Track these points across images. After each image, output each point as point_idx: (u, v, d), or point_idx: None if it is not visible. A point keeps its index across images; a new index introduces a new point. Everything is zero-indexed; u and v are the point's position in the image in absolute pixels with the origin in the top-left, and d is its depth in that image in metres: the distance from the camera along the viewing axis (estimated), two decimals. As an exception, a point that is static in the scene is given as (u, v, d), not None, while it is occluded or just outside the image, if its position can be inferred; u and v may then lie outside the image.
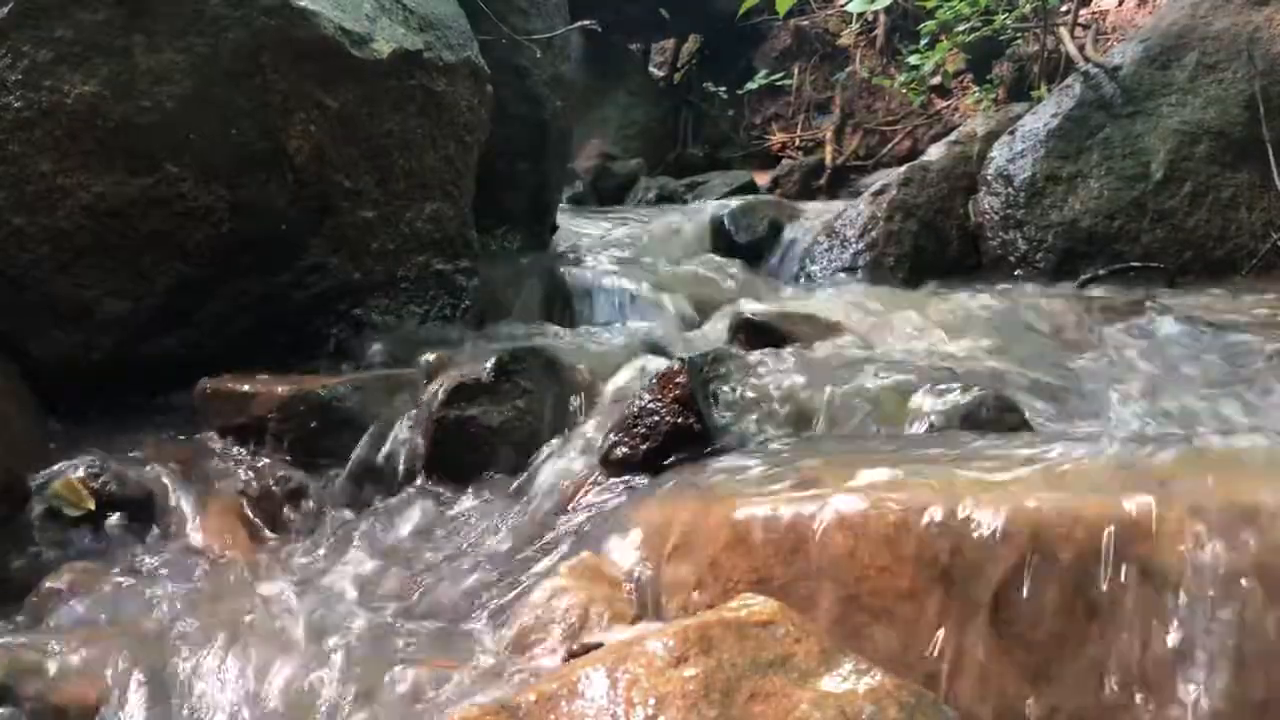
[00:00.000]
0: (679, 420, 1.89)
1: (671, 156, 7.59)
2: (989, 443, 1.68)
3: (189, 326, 2.50)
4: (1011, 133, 3.79)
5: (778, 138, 7.51)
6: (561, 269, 3.74)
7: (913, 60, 5.63)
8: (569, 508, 1.90)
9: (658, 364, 2.28)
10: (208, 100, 2.39)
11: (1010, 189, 3.64)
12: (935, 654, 1.27)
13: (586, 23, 4.14)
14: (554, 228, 4.32)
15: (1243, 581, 1.17)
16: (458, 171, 3.04)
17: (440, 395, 2.15)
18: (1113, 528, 1.23)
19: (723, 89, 7.52)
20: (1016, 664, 1.23)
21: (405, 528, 2.01)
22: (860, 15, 6.39)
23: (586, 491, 1.92)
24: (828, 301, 3.22)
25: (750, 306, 2.86)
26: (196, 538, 2.04)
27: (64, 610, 1.77)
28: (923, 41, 5.43)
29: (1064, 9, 4.88)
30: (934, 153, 4.04)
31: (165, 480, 2.14)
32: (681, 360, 2.00)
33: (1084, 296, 3.17)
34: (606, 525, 1.71)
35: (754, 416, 2.01)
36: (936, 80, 6.27)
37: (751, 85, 7.26)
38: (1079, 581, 1.22)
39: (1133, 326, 2.77)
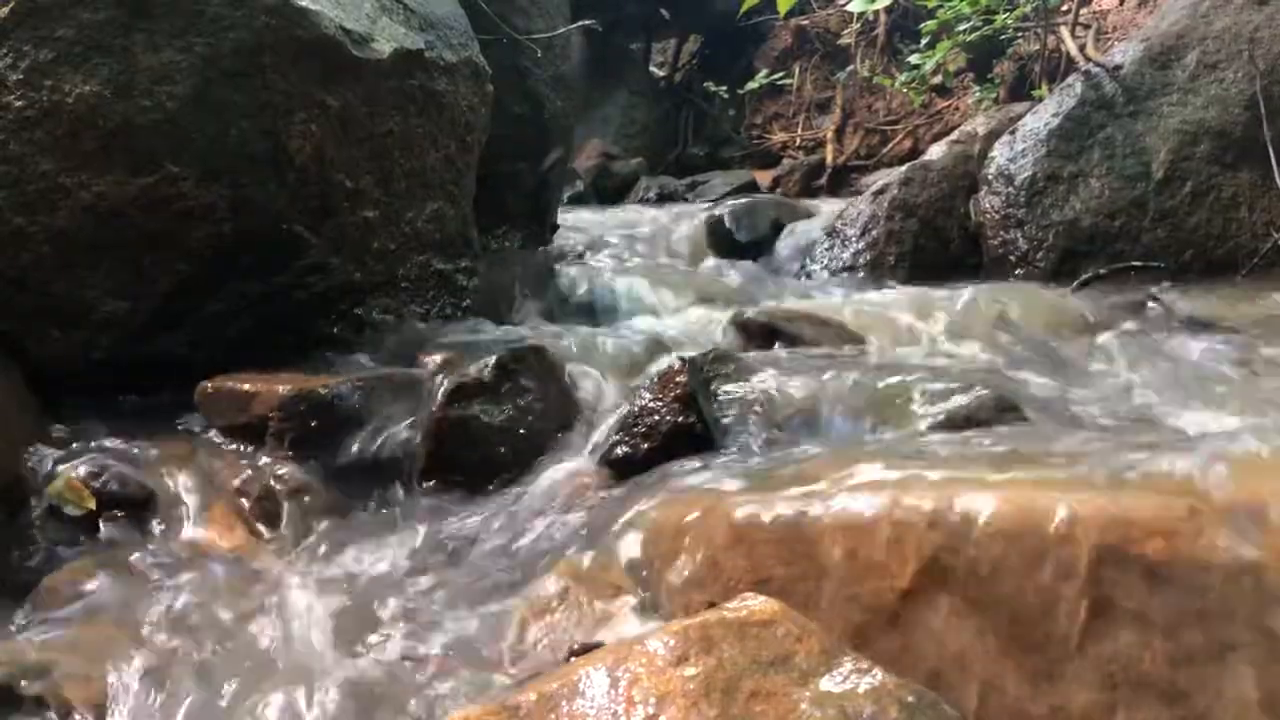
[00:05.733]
0: (679, 419, 1.90)
1: (672, 156, 7.60)
2: (989, 442, 1.68)
3: (190, 326, 2.50)
4: (1012, 132, 3.79)
5: (778, 137, 7.51)
6: (562, 268, 3.74)
7: (913, 59, 5.63)
8: (570, 507, 1.90)
9: (658, 363, 2.29)
10: (208, 100, 2.39)
11: (1011, 188, 3.63)
12: (936, 653, 1.27)
13: (587, 22, 4.15)
14: (555, 227, 4.32)
15: (1245, 580, 1.17)
16: (458, 171, 3.05)
17: (441, 395, 2.15)
18: (1114, 526, 1.23)
19: (723, 89, 7.52)
20: (1018, 663, 1.23)
21: (406, 527, 2.01)
22: (861, 15, 6.39)
23: (587, 491, 1.92)
24: (829, 301, 3.22)
25: (751, 306, 2.86)
26: (198, 537, 2.04)
27: (65, 610, 1.78)
28: (923, 41, 5.43)
29: (1064, 8, 4.88)
30: (935, 152, 4.03)
31: (166, 479, 2.14)
32: (682, 359, 2.00)
33: (1084, 296, 3.17)
34: (607, 525, 1.71)
35: (755, 416, 2.01)
36: (937, 80, 6.26)
37: (752, 85, 7.26)
38: (1080, 581, 1.22)
39: (1133, 326, 2.77)
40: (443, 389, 2.16)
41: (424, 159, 2.88)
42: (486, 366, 2.16)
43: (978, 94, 6.13)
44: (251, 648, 1.60)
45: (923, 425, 1.91)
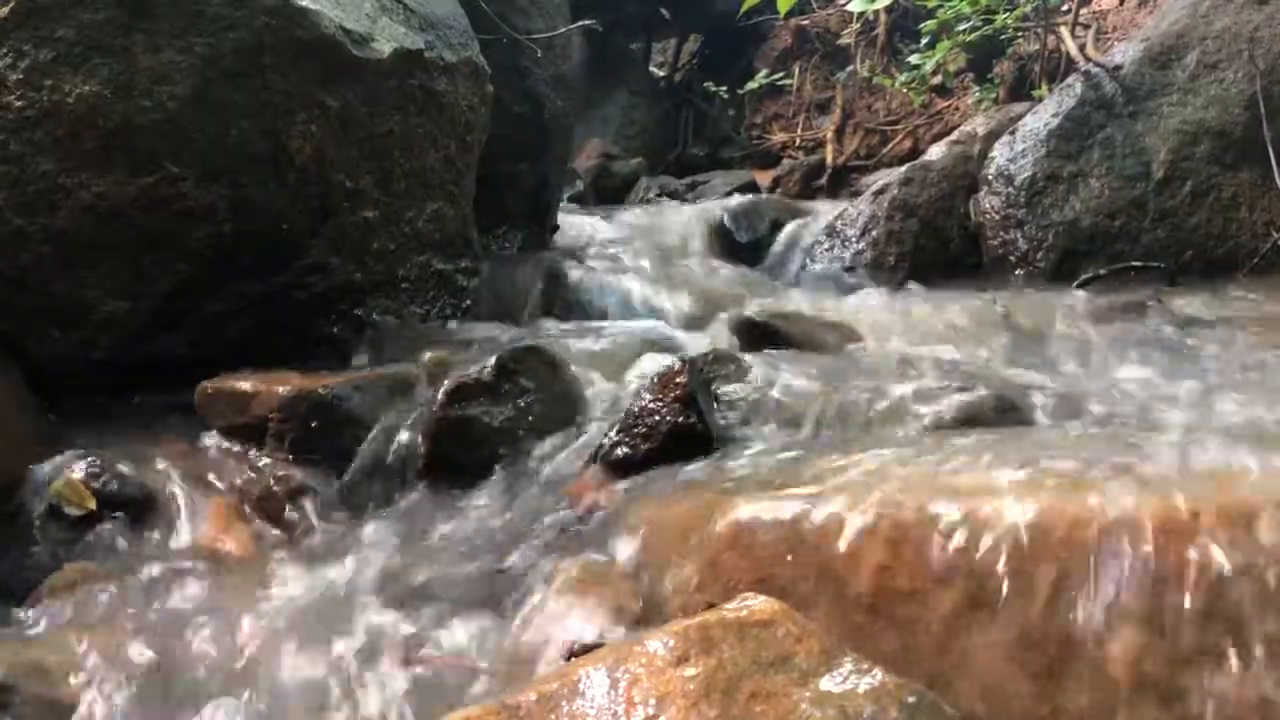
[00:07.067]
0: (679, 420, 1.89)
1: (672, 156, 7.59)
2: (989, 442, 1.68)
3: (190, 326, 2.50)
4: (1012, 132, 3.79)
5: (778, 137, 7.50)
6: (562, 268, 3.74)
7: (913, 60, 5.63)
8: (570, 507, 1.90)
9: (658, 364, 2.29)
10: (208, 100, 2.39)
11: (1011, 188, 3.64)
12: (936, 654, 1.27)
13: (587, 22, 4.16)
14: (555, 227, 4.32)
15: (1244, 581, 1.17)
16: (458, 171, 3.05)
17: (441, 395, 2.15)
18: (1114, 528, 1.23)
19: (723, 89, 7.51)
20: (1018, 663, 1.23)
21: (405, 527, 2.01)
22: (861, 15, 6.39)
23: (587, 491, 1.92)
24: (829, 301, 3.22)
25: (751, 306, 2.86)
26: (197, 537, 2.04)
27: (65, 610, 1.78)
28: (924, 41, 5.43)
29: (1064, 8, 4.88)
30: (935, 152, 4.03)
31: (166, 480, 2.14)
32: (682, 360, 2.00)
33: (1084, 296, 3.17)
34: (607, 525, 1.72)
35: (755, 416, 2.01)
36: (937, 80, 6.26)
37: (752, 85, 7.25)
38: (1081, 581, 1.22)
39: (1133, 326, 2.77)
40: (443, 389, 2.15)
41: (424, 159, 2.88)
42: (486, 367, 2.16)
43: (978, 94, 6.12)
44: (251, 648, 1.60)
45: (922, 425, 1.91)
